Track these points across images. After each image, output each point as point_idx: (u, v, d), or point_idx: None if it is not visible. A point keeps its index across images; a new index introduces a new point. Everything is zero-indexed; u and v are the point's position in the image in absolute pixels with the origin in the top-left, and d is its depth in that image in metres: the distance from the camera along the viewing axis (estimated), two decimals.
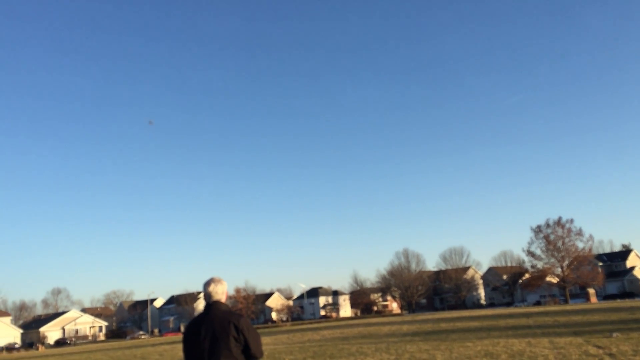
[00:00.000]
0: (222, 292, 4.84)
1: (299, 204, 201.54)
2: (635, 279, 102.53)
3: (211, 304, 4.77)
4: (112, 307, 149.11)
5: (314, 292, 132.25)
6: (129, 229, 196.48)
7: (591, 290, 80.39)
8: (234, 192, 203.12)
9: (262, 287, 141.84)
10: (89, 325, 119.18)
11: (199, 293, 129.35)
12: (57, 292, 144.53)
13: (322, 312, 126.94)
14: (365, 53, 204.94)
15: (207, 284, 4.86)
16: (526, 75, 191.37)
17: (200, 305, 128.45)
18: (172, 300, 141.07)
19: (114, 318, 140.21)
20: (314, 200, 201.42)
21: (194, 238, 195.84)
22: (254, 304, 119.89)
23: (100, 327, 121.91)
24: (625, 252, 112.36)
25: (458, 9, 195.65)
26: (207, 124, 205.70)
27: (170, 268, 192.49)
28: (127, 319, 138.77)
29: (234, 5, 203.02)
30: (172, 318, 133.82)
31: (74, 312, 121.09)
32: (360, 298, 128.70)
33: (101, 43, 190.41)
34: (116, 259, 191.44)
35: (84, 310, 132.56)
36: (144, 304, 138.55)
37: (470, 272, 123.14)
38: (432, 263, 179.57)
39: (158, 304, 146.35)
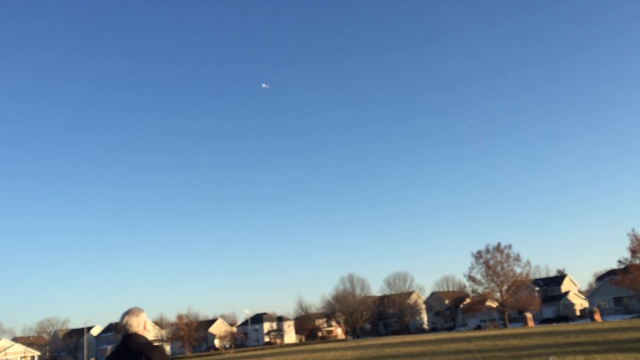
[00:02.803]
0: (137, 324, 4.86)
1: (242, 226, 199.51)
2: (570, 303, 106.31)
3: (127, 336, 4.80)
4: (45, 336, 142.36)
5: (258, 318, 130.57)
6: (64, 253, 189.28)
7: (529, 315, 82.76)
8: (174, 215, 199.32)
9: (205, 313, 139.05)
10: (20, 355, 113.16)
11: (119, 324, 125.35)
12: None
13: (267, 339, 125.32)
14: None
15: (122, 316, 4.90)
16: (473, 103, 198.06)
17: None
18: (111, 328, 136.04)
19: (47, 347, 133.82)
20: (258, 223, 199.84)
21: (135, 262, 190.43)
22: (197, 330, 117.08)
23: (33, 357, 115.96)
24: (560, 277, 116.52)
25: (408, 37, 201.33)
26: (149, 142, 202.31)
27: (109, 294, 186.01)
28: (62, 349, 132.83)
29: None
30: (109, 347, 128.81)
31: (4, 342, 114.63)
32: (305, 324, 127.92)
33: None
34: (51, 286, 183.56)
35: (15, 340, 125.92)
36: (80, 333, 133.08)
37: (413, 297, 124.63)
38: (376, 288, 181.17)
39: (95, 332, 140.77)
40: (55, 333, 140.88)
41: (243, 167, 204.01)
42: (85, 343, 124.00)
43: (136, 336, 4.79)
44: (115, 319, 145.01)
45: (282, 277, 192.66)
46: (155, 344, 4.81)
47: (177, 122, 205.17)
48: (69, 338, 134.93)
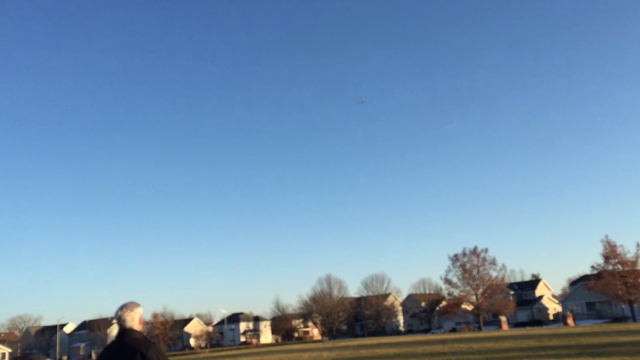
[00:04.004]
0: (132, 319, 4.80)
1: (219, 225, 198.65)
2: (544, 307, 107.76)
3: (123, 331, 4.74)
4: (17, 333, 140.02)
5: (234, 318, 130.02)
6: (37, 249, 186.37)
7: (503, 318, 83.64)
8: (151, 212, 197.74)
9: (181, 312, 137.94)
10: None
11: (113, 318, 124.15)
12: None
13: (243, 339, 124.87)
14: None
15: (118, 310, 4.84)
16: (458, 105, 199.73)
17: (114, 331, 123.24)
18: (84, 325, 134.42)
19: (19, 344, 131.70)
20: (235, 223, 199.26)
21: (110, 260, 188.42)
22: (172, 329, 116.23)
23: (4, 354, 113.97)
24: (535, 282, 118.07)
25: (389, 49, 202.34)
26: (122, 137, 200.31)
27: (83, 292, 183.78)
28: (34, 346, 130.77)
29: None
30: (82, 345, 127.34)
31: None
32: (282, 324, 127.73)
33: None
34: (23, 281, 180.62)
35: None
36: (52, 330, 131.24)
37: (390, 299, 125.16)
38: (354, 289, 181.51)
39: (68, 329, 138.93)
40: (27, 330, 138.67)
41: (219, 167, 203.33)
42: (57, 340, 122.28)
43: (131, 331, 4.73)
44: (88, 316, 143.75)
45: (260, 277, 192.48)
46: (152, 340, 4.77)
47: (155, 119, 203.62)
48: (42, 335, 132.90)
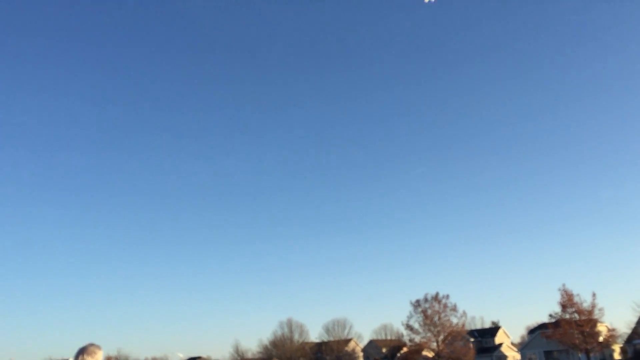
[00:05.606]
0: None
1: (178, 266, 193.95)
2: (503, 355, 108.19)
3: None
4: None
5: None
6: None
7: None
8: (107, 250, 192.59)
9: (136, 355, 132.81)
10: None
11: None
12: None
13: None
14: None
15: (78, 354, 4.66)
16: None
17: None
18: None
19: None
20: (194, 262, 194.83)
21: (61, 298, 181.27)
22: None
23: None
24: (495, 329, 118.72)
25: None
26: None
27: (32, 332, 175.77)
28: None
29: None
30: None
31: None
32: None
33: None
34: None
35: None
36: None
37: (351, 344, 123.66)
38: (315, 333, 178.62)
39: None
40: None
41: (178, 209, 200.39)
42: None
43: None
44: (38, 359, 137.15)
45: (219, 321, 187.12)
46: None
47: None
48: None
